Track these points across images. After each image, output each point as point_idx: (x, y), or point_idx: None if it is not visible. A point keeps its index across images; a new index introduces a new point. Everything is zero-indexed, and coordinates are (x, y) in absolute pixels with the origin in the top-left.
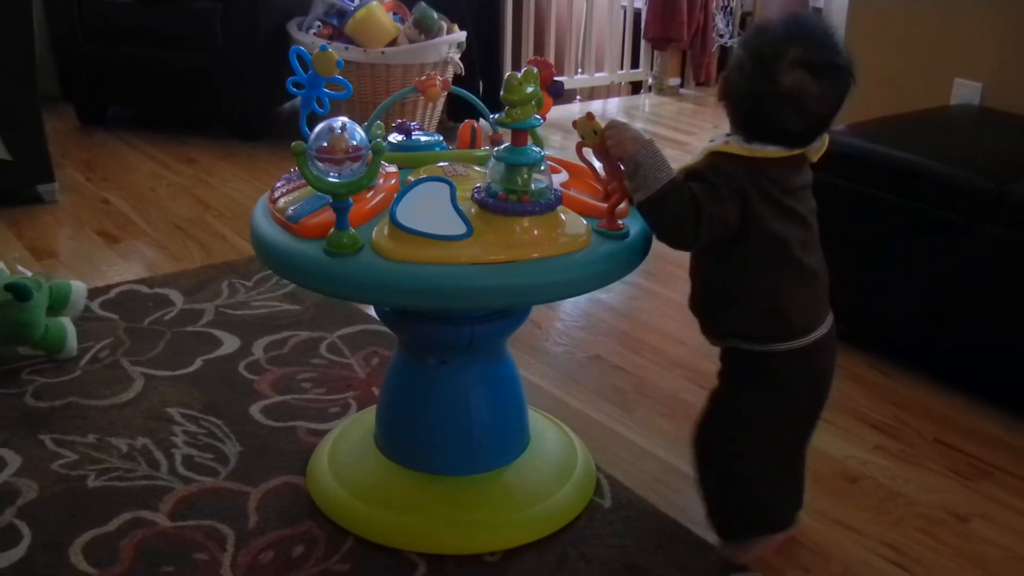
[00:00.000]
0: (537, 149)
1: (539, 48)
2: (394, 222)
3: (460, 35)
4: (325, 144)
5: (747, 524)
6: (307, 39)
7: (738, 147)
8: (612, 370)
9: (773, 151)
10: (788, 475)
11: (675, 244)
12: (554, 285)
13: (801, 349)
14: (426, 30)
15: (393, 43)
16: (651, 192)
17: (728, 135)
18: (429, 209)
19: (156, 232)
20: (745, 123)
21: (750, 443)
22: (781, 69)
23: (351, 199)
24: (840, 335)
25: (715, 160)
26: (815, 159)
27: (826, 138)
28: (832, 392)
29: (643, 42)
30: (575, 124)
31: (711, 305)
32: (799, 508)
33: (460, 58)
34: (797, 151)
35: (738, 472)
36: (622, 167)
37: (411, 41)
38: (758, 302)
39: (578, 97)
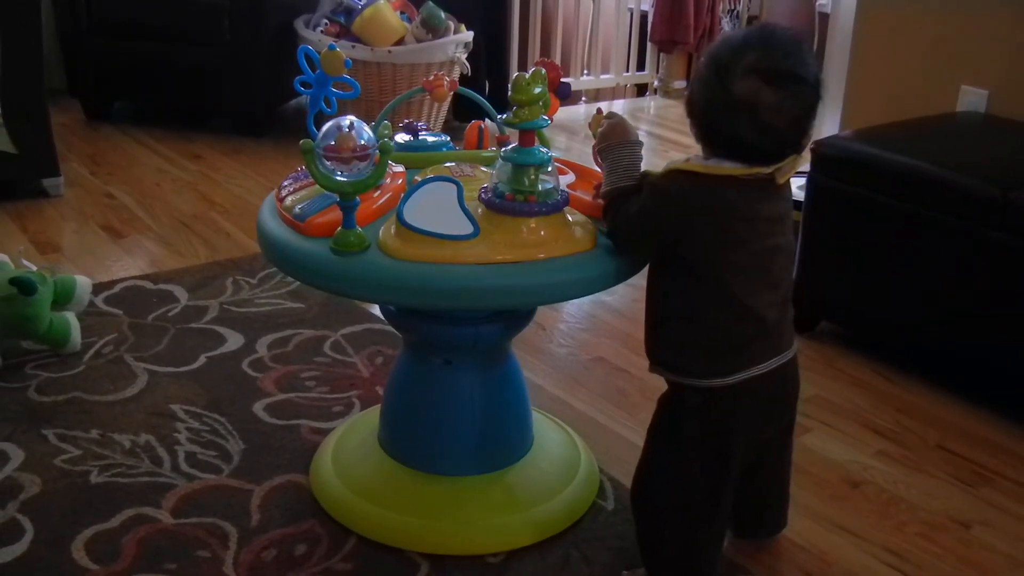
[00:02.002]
0: (544, 150)
1: (545, 49)
2: (401, 221)
3: (467, 35)
4: (333, 143)
5: (670, 571)
6: (314, 37)
7: (696, 164)
8: (615, 372)
9: (730, 167)
10: (698, 529)
11: (616, 246)
12: (560, 286)
13: (718, 389)
14: (433, 29)
15: (400, 42)
16: (610, 188)
17: (698, 154)
18: (436, 209)
19: (160, 228)
20: (703, 135)
21: (664, 474)
22: (735, 75)
23: (358, 198)
24: (845, 340)
25: (671, 178)
26: (782, 180)
27: (797, 159)
28: (835, 397)
29: (649, 44)
30: (591, 125)
31: (646, 325)
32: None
33: (467, 58)
34: (758, 169)
35: (657, 508)
36: (598, 153)
37: (418, 40)
38: (676, 330)
39: (583, 99)
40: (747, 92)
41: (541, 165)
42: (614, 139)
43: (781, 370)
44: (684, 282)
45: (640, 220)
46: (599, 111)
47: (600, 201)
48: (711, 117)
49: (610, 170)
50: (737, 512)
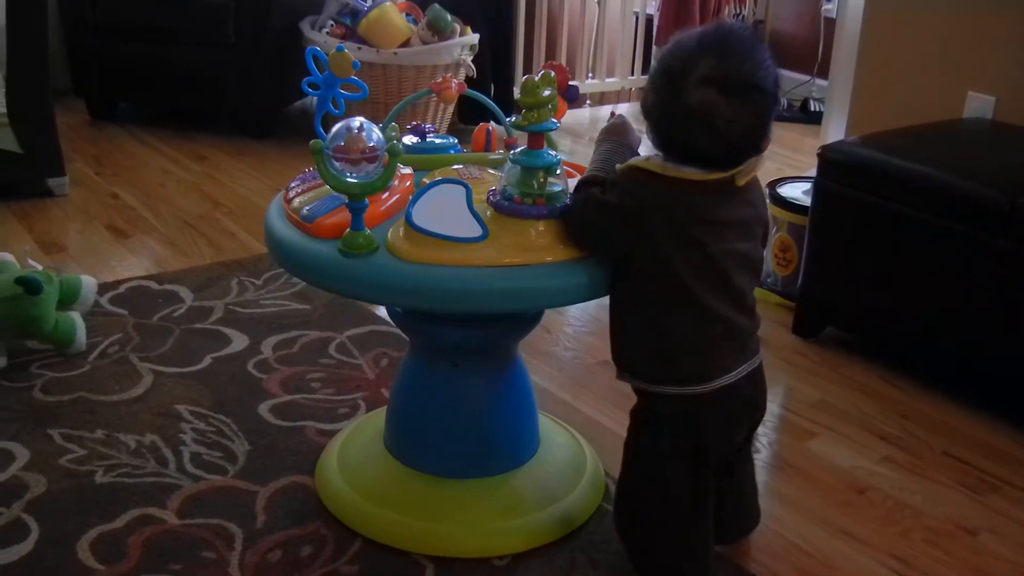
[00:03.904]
0: (553, 153)
1: (551, 52)
2: (410, 223)
3: (473, 37)
4: (342, 144)
5: None
6: (319, 38)
7: (656, 164)
8: None
9: (689, 172)
10: (687, 536)
11: (568, 231)
12: (569, 289)
13: (689, 397)
14: (439, 32)
15: (406, 44)
16: (583, 176)
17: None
18: (445, 211)
19: (165, 228)
20: (658, 141)
21: (646, 489)
22: (688, 86)
23: (367, 200)
24: (851, 345)
25: (629, 174)
26: (742, 183)
27: (756, 162)
28: (840, 403)
29: (654, 48)
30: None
31: (611, 332)
32: None
33: (472, 60)
34: (717, 175)
35: (644, 524)
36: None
37: (424, 42)
38: (643, 336)
39: (588, 102)
40: (701, 103)
41: (550, 168)
42: (610, 135)
43: (750, 376)
44: (647, 285)
45: (591, 210)
46: (612, 114)
47: None
48: (665, 125)
49: (591, 160)
50: (717, 519)
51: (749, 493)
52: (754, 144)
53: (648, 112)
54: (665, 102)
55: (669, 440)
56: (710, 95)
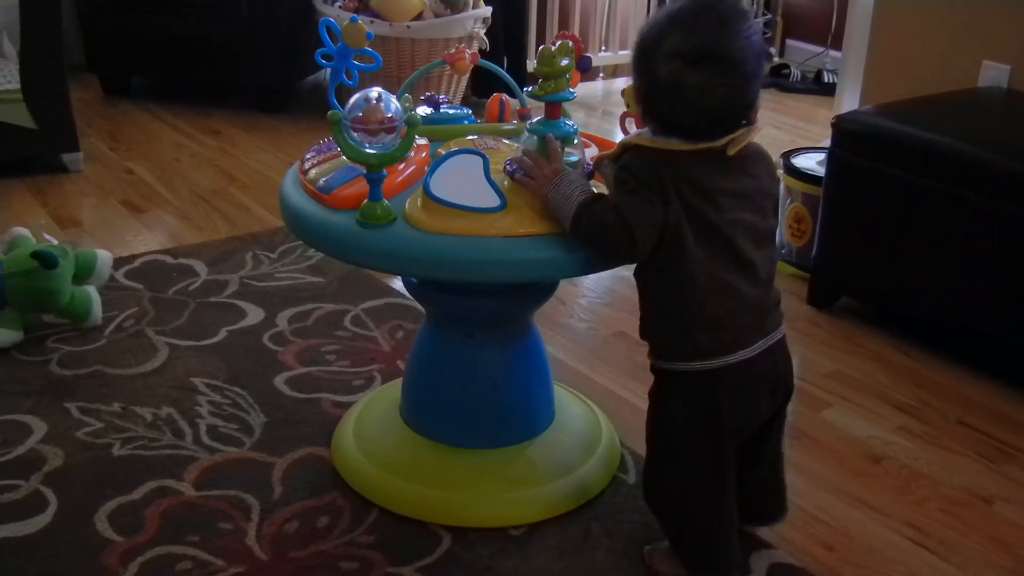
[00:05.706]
0: (571, 122)
1: (564, 24)
2: (428, 193)
3: (486, 10)
4: (360, 114)
5: (692, 557)
6: (332, 11)
7: (647, 139)
8: (636, 347)
9: (676, 144)
10: (711, 511)
11: (620, 259)
12: (586, 259)
13: (704, 372)
14: (452, 4)
15: (419, 17)
16: (569, 219)
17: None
18: (462, 181)
19: (180, 203)
20: (642, 113)
21: (667, 464)
22: (659, 58)
23: (384, 170)
24: (865, 316)
25: (626, 154)
26: (732, 152)
27: (748, 132)
28: (855, 373)
29: None
30: (624, 92)
31: (641, 309)
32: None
33: (485, 33)
34: (703, 144)
35: (666, 500)
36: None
37: (437, 15)
38: (661, 312)
39: (601, 75)
40: (670, 75)
41: (567, 138)
42: (545, 186)
43: (769, 351)
44: (662, 257)
45: (624, 210)
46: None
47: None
48: (644, 98)
49: (559, 209)
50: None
51: (773, 482)
52: (735, 114)
53: (633, 85)
54: (641, 76)
55: (682, 416)
56: (676, 67)
